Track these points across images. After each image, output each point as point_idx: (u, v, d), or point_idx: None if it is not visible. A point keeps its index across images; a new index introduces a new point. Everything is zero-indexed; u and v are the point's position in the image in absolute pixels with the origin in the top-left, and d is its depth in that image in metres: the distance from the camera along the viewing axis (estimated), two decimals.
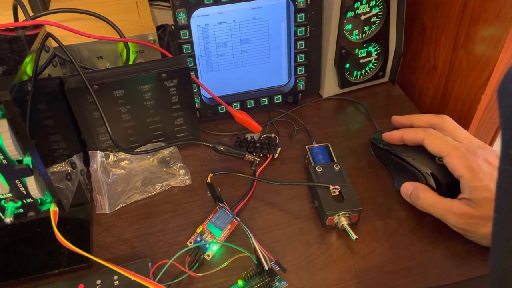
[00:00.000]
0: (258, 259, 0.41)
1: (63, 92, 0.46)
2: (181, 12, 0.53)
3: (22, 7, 0.44)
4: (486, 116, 0.57)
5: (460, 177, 0.43)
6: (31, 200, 0.39)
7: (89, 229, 0.47)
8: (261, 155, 0.55)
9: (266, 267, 0.40)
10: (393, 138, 0.50)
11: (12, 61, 0.36)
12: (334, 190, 0.46)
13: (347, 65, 0.62)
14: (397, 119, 0.53)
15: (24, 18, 0.44)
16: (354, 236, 0.43)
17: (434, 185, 0.46)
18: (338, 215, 0.45)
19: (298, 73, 0.61)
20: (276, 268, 0.41)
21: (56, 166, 0.41)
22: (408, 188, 0.47)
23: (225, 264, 0.42)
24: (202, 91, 0.59)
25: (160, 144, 0.54)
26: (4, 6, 0.57)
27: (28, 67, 0.36)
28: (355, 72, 0.64)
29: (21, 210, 0.39)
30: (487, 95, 0.54)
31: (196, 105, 0.58)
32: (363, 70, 0.65)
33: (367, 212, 0.47)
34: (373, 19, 0.60)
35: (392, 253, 0.44)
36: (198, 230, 0.46)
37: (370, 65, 0.65)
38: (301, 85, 0.62)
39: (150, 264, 0.42)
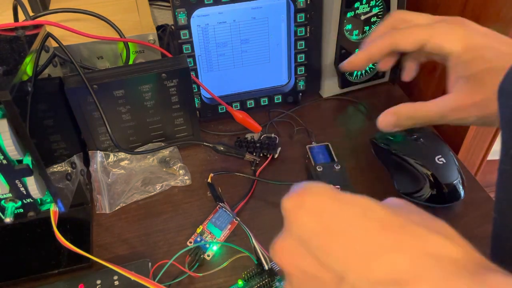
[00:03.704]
0: (258, 259, 0.41)
1: (63, 92, 0.46)
2: (181, 12, 0.53)
3: (22, 7, 0.44)
4: None
5: (449, 54, 0.35)
6: (31, 200, 0.39)
7: (89, 229, 0.47)
8: (261, 155, 0.55)
9: (266, 267, 0.40)
10: (356, 63, 0.41)
11: (12, 61, 0.36)
12: None
13: None
14: (347, 62, 0.42)
15: (24, 18, 0.44)
16: None
17: (434, 185, 0.46)
18: None
19: (298, 73, 0.61)
20: (276, 268, 0.41)
21: (56, 166, 0.41)
22: (388, 116, 0.39)
23: (225, 264, 0.42)
24: (202, 91, 0.59)
25: (160, 144, 0.54)
26: (4, 6, 0.57)
27: (28, 67, 0.36)
28: (355, 72, 0.64)
29: (21, 210, 0.39)
30: None
31: (196, 105, 0.58)
32: (363, 70, 0.65)
33: None
34: (373, 19, 0.60)
35: None
36: (198, 230, 0.46)
37: (370, 65, 0.65)
38: (301, 85, 0.62)
39: (150, 264, 0.42)
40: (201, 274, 0.42)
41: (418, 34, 0.36)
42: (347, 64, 0.42)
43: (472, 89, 0.34)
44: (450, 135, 0.59)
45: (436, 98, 0.55)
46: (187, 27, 0.54)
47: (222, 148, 0.52)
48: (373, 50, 0.39)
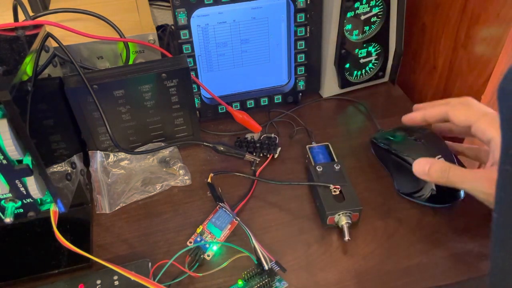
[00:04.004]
0: (258, 259, 0.41)
1: (63, 92, 0.46)
2: (181, 12, 0.53)
3: (22, 7, 0.44)
4: None
5: (491, 139, 0.39)
6: (31, 200, 0.39)
7: (89, 229, 0.47)
8: (261, 155, 0.55)
9: (266, 267, 0.40)
10: (415, 119, 0.47)
11: (12, 61, 0.36)
12: (334, 189, 0.46)
13: (347, 65, 0.62)
14: (408, 117, 0.48)
15: (24, 18, 0.44)
16: (346, 237, 0.43)
17: (433, 186, 0.46)
18: (339, 215, 0.45)
19: (298, 73, 0.61)
20: (276, 268, 0.41)
21: (56, 166, 0.41)
22: (423, 164, 0.43)
23: (225, 264, 0.42)
24: (202, 91, 0.59)
25: (160, 144, 0.54)
26: (4, 6, 0.57)
27: (28, 67, 0.36)
28: (355, 72, 0.64)
29: (21, 210, 0.39)
30: (487, 95, 0.54)
31: (196, 105, 0.58)
32: (363, 70, 0.65)
33: (367, 212, 0.47)
34: (373, 19, 0.60)
35: (392, 253, 0.44)
36: (198, 230, 0.46)
37: (370, 65, 0.65)
38: (301, 85, 0.62)
39: (150, 264, 0.42)
40: (201, 274, 0.42)
41: (470, 115, 0.41)
42: (406, 118, 0.48)
43: None
44: None
45: (436, 99, 0.55)
46: (187, 27, 0.54)
47: (222, 148, 0.52)
48: (429, 112, 0.45)
